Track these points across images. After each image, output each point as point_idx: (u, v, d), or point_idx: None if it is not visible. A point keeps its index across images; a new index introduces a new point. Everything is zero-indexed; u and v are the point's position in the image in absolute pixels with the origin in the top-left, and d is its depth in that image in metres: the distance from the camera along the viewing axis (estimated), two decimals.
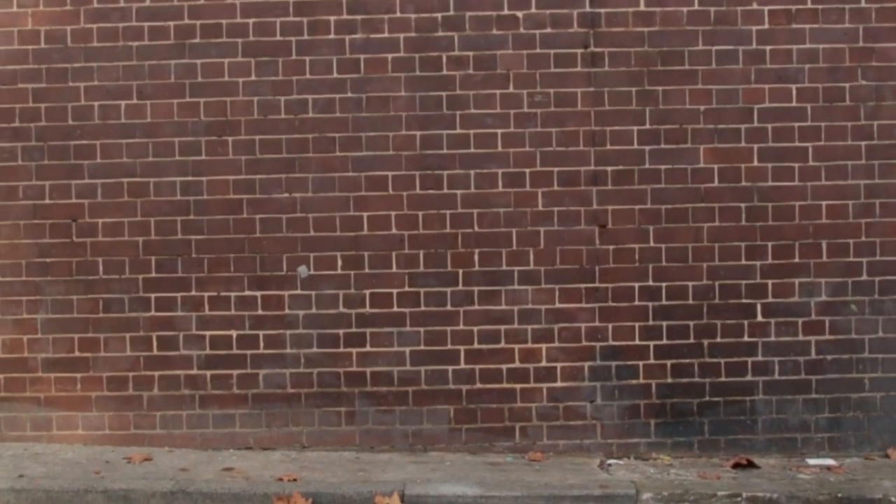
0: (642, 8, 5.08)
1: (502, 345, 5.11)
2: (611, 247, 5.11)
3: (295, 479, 4.53)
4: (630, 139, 5.10)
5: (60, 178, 5.10)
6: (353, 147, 5.11)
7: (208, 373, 5.10)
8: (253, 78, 5.08)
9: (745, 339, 5.10)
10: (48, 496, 4.39)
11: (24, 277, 5.11)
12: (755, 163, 5.10)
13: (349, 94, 5.11)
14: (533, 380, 5.11)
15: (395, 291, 5.10)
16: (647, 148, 5.10)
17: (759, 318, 5.10)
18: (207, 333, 5.11)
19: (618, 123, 5.10)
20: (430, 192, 5.11)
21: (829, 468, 4.85)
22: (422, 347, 5.10)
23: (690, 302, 5.10)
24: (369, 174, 5.11)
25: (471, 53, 5.10)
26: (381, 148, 5.11)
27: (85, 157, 5.10)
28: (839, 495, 4.38)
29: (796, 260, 5.10)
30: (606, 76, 5.10)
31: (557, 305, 5.11)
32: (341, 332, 5.10)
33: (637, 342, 5.11)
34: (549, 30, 5.09)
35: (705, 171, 5.10)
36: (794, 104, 5.09)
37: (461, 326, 5.11)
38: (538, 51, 5.10)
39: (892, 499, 4.36)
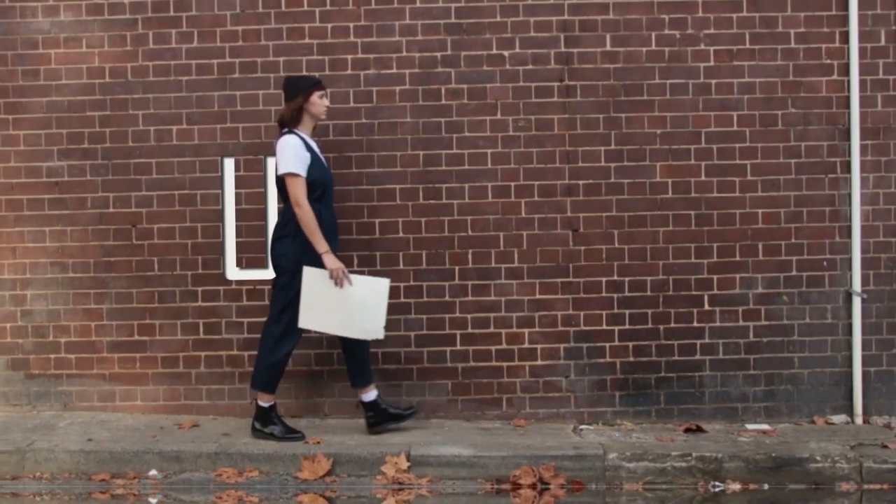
0: (608, 48, 5.20)
1: (492, 330, 5.21)
2: (582, 248, 5.22)
3: (318, 442, 4.67)
4: (598, 158, 5.21)
5: (122, 190, 5.22)
6: (367, 165, 5.21)
7: (246, 353, 5.17)
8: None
9: (695, 324, 5.21)
10: (112, 456, 4.57)
11: (91, 274, 5.22)
12: (703, 177, 5.20)
13: (363, 120, 5.21)
14: (517, 359, 5.21)
15: (402, 285, 5.18)
16: (612, 165, 5.21)
17: (706, 307, 5.21)
18: (245, 320, 5.20)
19: (588, 144, 5.21)
20: (432, 202, 5.21)
21: (764, 432, 4.97)
22: (424, 332, 5.20)
23: (649, 294, 5.21)
24: (380, 187, 5.21)
25: (465, 86, 5.21)
26: (391, 165, 5.21)
27: (143, 173, 5.22)
28: (773, 454, 4.54)
29: (737, 258, 5.21)
30: (578, 105, 5.21)
31: (538, 297, 5.21)
32: None
33: (604, 327, 5.21)
34: (530, 66, 5.20)
35: (661, 185, 5.21)
36: (735, 128, 5.20)
37: (457, 314, 5.21)
38: (521, 84, 5.21)
39: (818, 457, 4.51)
